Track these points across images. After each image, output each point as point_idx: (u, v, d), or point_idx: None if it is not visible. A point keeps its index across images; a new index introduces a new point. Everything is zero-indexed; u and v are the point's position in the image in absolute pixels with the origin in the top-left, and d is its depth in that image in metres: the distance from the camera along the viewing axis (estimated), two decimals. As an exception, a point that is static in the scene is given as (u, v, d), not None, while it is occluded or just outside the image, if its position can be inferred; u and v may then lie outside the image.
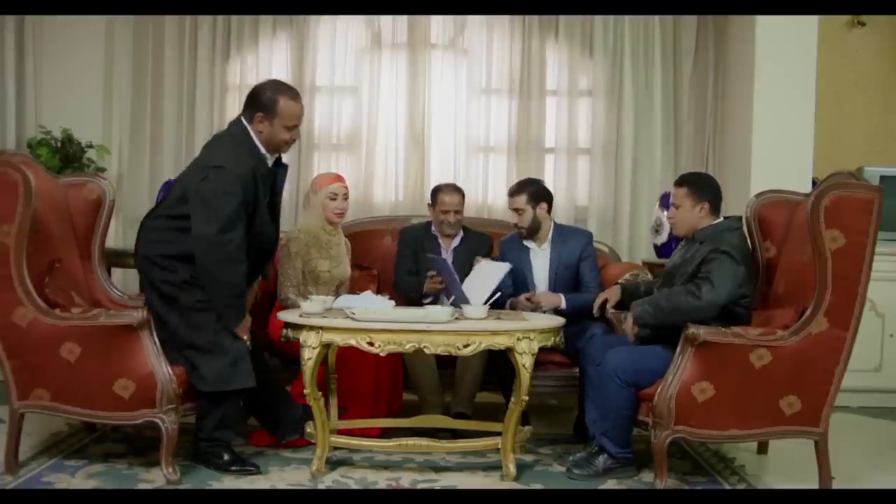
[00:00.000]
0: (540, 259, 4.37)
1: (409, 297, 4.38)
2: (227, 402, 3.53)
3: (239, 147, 3.51)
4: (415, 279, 4.45)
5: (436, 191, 4.57)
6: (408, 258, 4.52)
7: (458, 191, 4.55)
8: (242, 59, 5.60)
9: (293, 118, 3.52)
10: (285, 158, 3.77)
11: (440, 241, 4.56)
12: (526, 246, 4.40)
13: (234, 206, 3.39)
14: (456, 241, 4.55)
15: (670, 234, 4.67)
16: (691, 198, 3.68)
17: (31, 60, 5.35)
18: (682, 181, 3.78)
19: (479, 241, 4.60)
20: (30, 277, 3.40)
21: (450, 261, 4.34)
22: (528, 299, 4.21)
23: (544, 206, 4.34)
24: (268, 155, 3.57)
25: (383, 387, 4.12)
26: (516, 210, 4.33)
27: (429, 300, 4.36)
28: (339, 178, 4.32)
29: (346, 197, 4.26)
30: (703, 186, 3.73)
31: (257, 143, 3.52)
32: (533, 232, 4.34)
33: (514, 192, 4.37)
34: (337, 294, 4.15)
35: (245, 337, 3.51)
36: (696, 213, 3.68)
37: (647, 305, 3.57)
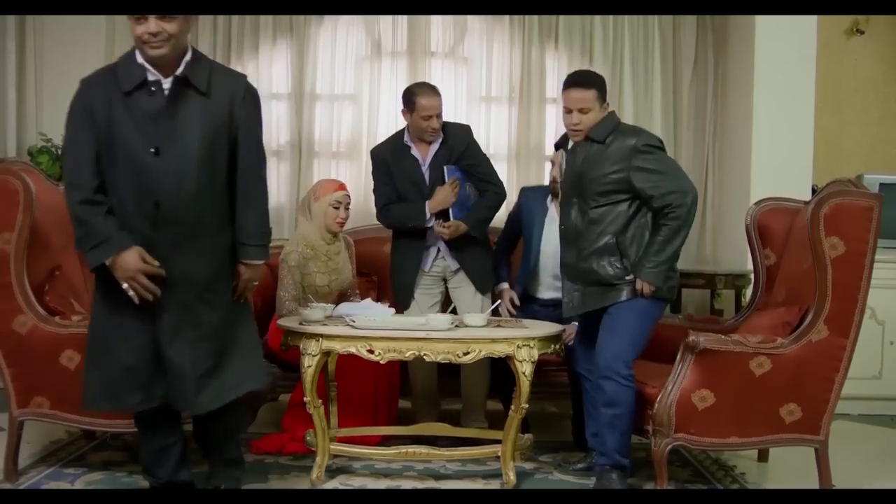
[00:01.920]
0: (556, 223, 3.95)
1: (406, 226, 4.14)
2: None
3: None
4: (406, 206, 4.14)
5: (411, 94, 4.07)
6: (387, 181, 4.16)
7: (436, 91, 4.10)
8: (243, 66, 5.57)
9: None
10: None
11: (415, 149, 4.16)
12: (547, 207, 4.28)
13: (73, 114, 2.94)
14: (435, 146, 4.16)
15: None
16: (599, 100, 3.45)
17: (32, 67, 5.35)
18: (588, 83, 3.43)
19: (458, 134, 4.19)
20: (30, 285, 3.41)
21: (431, 169, 4.14)
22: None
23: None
24: (150, 67, 2.87)
25: (381, 395, 4.10)
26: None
27: (433, 221, 4.10)
28: (343, 186, 4.22)
29: (348, 206, 4.19)
30: (604, 85, 3.50)
31: (136, 54, 2.90)
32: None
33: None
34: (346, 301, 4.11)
35: (126, 283, 2.84)
36: (600, 115, 3.45)
37: (654, 267, 3.31)
